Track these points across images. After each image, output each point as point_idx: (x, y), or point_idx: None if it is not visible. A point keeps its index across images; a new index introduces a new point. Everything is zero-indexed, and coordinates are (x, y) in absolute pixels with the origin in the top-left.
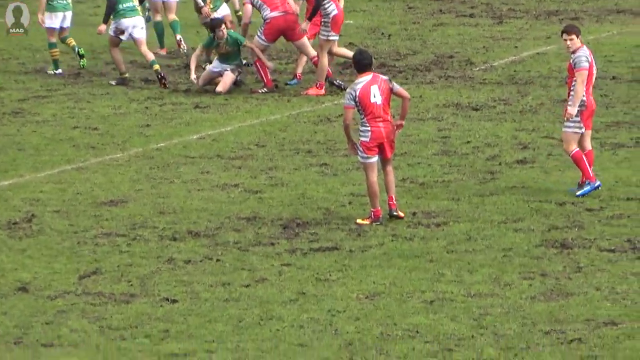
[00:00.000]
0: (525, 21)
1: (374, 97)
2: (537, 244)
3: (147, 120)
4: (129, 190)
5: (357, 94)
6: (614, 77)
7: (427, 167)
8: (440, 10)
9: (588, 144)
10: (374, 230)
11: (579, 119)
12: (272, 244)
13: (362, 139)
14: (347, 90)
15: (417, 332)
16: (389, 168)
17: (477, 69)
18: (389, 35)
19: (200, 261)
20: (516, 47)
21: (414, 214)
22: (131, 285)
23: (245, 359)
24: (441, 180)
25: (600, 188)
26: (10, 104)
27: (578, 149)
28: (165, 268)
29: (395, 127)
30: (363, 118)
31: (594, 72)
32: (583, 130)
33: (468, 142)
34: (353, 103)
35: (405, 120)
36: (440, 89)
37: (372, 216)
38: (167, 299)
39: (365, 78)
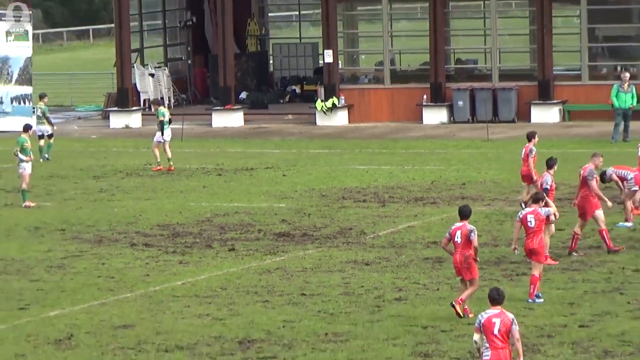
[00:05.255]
0: (401, 205)
1: (457, 237)
2: None
3: None
4: None
5: (450, 232)
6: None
7: (335, 303)
8: (343, 197)
9: None
10: None
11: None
12: None
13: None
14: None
15: None
16: (471, 289)
17: (368, 237)
18: (309, 214)
19: None
20: (394, 222)
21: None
22: None
23: None
24: (344, 312)
25: None
26: None
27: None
28: None
29: (467, 257)
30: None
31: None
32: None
33: (362, 286)
34: (448, 235)
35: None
36: (344, 250)
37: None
38: None
39: (459, 224)
